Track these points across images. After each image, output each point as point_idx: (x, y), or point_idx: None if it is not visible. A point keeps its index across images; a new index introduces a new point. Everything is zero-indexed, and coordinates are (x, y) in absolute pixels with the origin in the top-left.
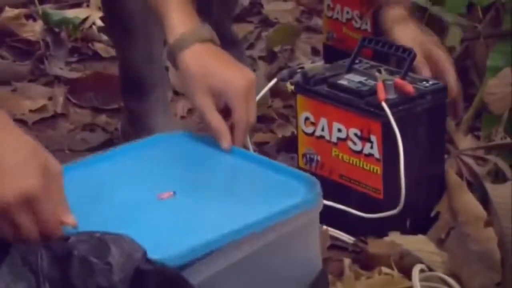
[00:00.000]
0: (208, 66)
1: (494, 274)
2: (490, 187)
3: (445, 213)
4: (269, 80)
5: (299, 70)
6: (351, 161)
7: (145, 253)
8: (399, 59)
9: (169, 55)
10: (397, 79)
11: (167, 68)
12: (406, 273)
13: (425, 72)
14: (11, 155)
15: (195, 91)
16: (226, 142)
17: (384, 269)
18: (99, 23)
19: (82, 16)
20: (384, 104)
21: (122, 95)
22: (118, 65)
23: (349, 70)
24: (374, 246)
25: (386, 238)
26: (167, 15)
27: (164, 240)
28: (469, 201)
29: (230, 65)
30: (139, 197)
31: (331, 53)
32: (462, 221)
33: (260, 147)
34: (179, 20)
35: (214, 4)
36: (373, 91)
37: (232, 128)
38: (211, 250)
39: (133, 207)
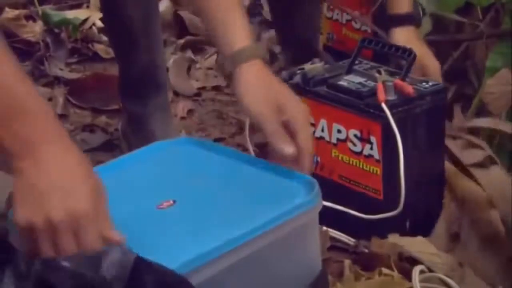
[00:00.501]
0: (273, 81)
1: (505, 255)
2: (478, 173)
3: (450, 204)
4: None
5: (299, 71)
6: (351, 162)
7: (137, 257)
8: (399, 60)
9: (229, 61)
10: (397, 80)
11: (167, 69)
12: (406, 274)
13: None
14: (66, 174)
15: (257, 100)
16: (290, 146)
17: (384, 270)
18: (99, 24)
19: (82, 17)
20: (384, 105)
21: (121, 97)
22: (118, 69)
23: (349, 71)
24: (375, 246)
25: (386, 240)
26: (232, 23)
27: (165, 251)
28: (469, 187)
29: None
30: (139, 209)
31: (331, 54)
32: (470, 208)
33: (261, 148)
34: (244, 32)
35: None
36: (373, 92)
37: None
38: (213, 258)
39: (133, 219)
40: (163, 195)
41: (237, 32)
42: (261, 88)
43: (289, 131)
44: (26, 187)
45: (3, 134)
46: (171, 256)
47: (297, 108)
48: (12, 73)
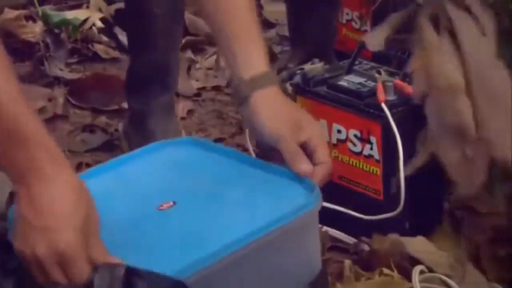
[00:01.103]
0: (290, 104)
1: (468, 147)
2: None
3: (419, 72)
4: None
5: (298, 71)
6: (351, 163)
7: (128, 267)
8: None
9: (246, 85)
10: (397, 80)
11: None
12: (406, 274)
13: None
14: (54, 207)
15: (276, 121)
16: (308, 164)
17: (385, 270)
18: (99, 24)
19: (82, 17)
20: (383, 105)
21: (126, 94)
22: (128, 66)
23: (349, 71)
24: (376, 243)
25: (388, 237)
26: (255, 48)
27: (166, 255)
28: (445, 65)
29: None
30: (139, 210)
31: None
32: (439, 87)
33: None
34: (265, 58)
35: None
36: (372, 92)
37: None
38: (213, 262)
39: (133, 220)
40: (163, 196)
41: (259, 57)
42: (279, 110)
43: (308, 149)
44: (20, 215)
45: (2, 157)
46: (170, 260)
47: (315, 127)
48: (11, 94)
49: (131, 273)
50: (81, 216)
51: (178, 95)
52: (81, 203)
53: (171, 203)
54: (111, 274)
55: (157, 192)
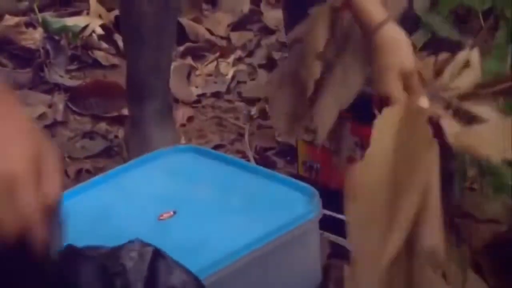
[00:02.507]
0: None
1: None
2: None
3: None
4: None
5: None
6: None
7: (156, 250)
8: None
9: None
10: None
11: None
12: None
13: None
14: (2, 134)
15: None
16: None
17: None
18: (99, 31)
19: (82, 24)
20: None
21: (127, 100)
22: (126, 70)
23: None
24: None
25: None
26: None
27: None
28: None
29: None
30: (140, 220)
31: None
32: None
33: (261, 154)
34: None
35: None
36: (373, 100)
37: None
38: (213, 272)
39: (134, 231)
40: (163, 205)
41: None
42: None
43: None
44: None
45: None
46: None
47: None
48: None
49: (158, 256)
50: (32, 142)
51: (177, 101)
52: (31, 127)
53: (172, 212)
54: (140, 249)
55: (158, 201)
